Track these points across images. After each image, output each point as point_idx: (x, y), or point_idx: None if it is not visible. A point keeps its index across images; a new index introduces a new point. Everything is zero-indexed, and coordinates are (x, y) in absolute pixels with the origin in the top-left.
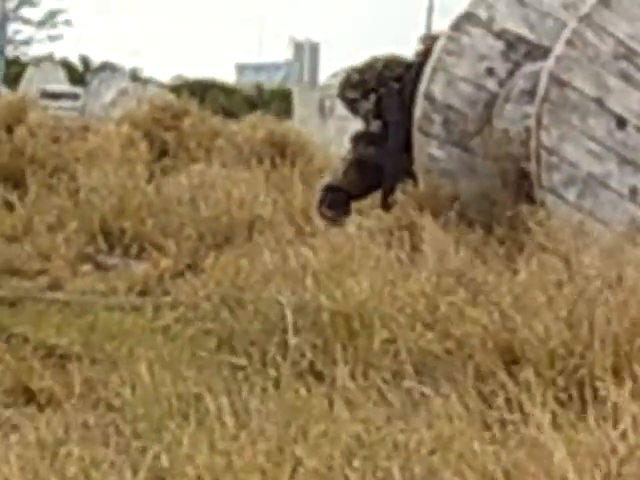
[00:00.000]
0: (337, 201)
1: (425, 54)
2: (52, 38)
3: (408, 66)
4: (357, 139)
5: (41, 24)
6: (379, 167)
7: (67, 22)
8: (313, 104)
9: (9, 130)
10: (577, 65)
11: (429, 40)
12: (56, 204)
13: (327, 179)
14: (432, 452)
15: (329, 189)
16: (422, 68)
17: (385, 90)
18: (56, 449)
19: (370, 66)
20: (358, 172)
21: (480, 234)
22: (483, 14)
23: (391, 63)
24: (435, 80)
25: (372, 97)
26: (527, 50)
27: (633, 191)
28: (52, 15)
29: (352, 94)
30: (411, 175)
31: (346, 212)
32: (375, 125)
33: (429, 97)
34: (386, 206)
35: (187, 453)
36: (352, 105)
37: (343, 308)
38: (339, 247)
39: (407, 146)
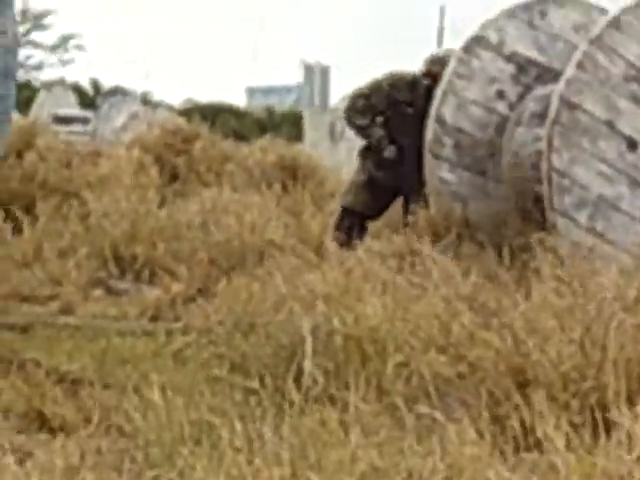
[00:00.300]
0: (353, 223)
1: (434, 76)
2: (64, 62)
3: (414, 83)
4: (365, 154)
5: (54, 49)
6: (392, 188)
7: (79, 47)
8: (324, 127)
9: (20, 155)
10: (588, 88)
11: (436, 62)
12: (67, 229)
13: (341, 202)
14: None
15: (344, 212)
16: (432, 91)
17: (395, 113)
18: (70, 475)
19: (376, 89)
20: (371, 193)
21: (491, 257)
22: (493, 37)
23: (397, 83)
24: (446, 103)
25: (380, 119)
26: (537, 73)
27: None
28: (65, 40)
29: (361, 120)
30: (423, 194)
31: (361, 234)
32: (390, 151)
33: (440, 120)
34: (407, 225)
35: (200, 479)
36: (363, 131)
37: (355, 332)
38: (350, 271)
39: (419, 166)
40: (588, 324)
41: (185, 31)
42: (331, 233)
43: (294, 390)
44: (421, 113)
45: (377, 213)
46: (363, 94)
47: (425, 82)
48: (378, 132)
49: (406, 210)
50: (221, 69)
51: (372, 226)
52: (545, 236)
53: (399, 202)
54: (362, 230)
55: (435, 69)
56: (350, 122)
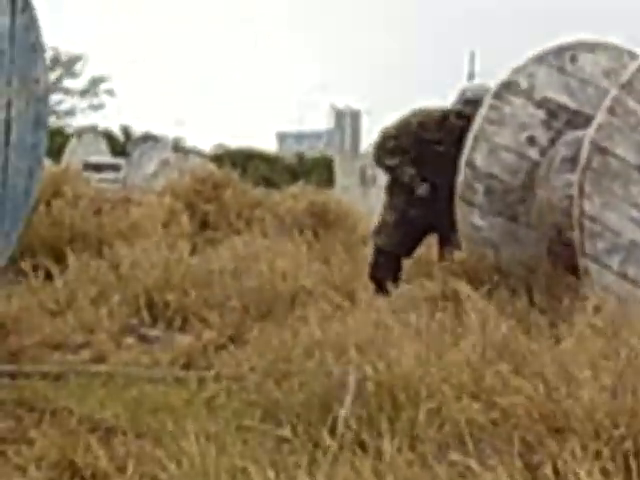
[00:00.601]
0: (387, 262)
1: (467, 118)
2: (94, 107)
3: (442, 120)
4: (392, 191)
5: (84, 92)
6: (424, 225)
7: (109, 92)
8: (355, 172)
9: (50, 202)
10: (618, 133)
11: (468, 103)
12: (98, 277)
13: (374, 242)
14: None
15: (378, 251)
16: (464, 131)
17: (425, 151)
18: None
19: (404, 128)
20: (403, 232)
21: (523, 303)
22: (523, 83)
23: (426, 121)
24: (477, 149)
25: (410, 157)
26: (568, 118)
27: None
28: (95, 83)
29: (391, 160)
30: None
31: (396, 272)
32: (423, 189)
33: (471, 165)
34: (443, 258)
35: None
36: (393, 171)
37: (388, 379)
38: (383, 317)
39: (452, 202)
40: (620, 370)
41: (217, 75)
42: (368, 272)
43: (327, 437)
44: (452, 151)
45: (410, 251)
46: (392, 134)
47: (457, 122)
48: (409, 171)
49: (441, 248)
50: (252, 114)
51: (404, 270)
52: (577, 282)
53: (430, 238)
54: (397, 268)
55: (467, 110)
56: (380, 162)
